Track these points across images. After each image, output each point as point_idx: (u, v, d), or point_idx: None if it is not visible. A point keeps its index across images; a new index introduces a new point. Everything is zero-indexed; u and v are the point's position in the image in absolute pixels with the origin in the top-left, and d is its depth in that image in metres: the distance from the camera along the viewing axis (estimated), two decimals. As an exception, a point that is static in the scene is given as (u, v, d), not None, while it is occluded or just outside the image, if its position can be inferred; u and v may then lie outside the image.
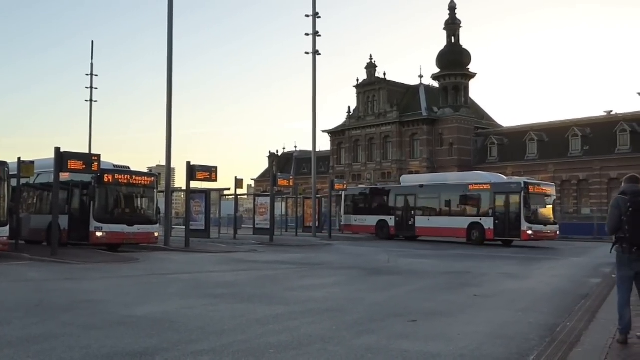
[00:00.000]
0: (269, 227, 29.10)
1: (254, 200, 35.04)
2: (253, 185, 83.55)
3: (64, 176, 19.02)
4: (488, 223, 27.45)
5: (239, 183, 29.03)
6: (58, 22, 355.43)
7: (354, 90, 66.68)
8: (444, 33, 63.05)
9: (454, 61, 60.81)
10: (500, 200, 27.43)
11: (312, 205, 36.09)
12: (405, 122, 61.84)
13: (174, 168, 29.93)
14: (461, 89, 61.03)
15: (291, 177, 32.75)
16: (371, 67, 65.49)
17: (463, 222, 28.48)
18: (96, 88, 48.61)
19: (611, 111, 52.02)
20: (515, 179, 29.10)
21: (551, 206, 28.12)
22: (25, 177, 19.54)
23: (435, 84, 63.05)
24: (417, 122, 61.04)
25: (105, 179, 19.73)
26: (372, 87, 64.81)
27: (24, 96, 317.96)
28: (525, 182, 26.92)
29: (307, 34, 36.17)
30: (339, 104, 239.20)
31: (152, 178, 21.63)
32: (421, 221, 30.86)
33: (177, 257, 19.28)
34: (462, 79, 61.07)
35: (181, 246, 22.35)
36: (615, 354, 5.90)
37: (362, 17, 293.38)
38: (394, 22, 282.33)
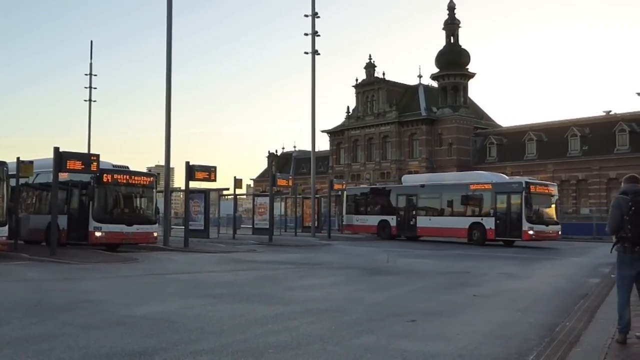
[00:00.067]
0: (268, 227, 29.10)
1: (253, 200, 35.08)
2: (252, 185, 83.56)
3: (63, 176, 19.01)
4: (489, 223, 27.36)
5: (238, 183, 29.04)
6: (57, 22, 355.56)
7: (353, 90, 66.73)
8: (443, 33, 63.10)
9: (453, 61, 60.82)
10: (501, 200, 27.35)
11: (311, 205, 36.08)
12: (405, 122, 61.87)
13: (173, 168, 29.99)
14: (460, 89, 61.04)
15: (290, 177, 32.70)
16: (370, 67, 65.51)
17: (464, 222, 28.40)
18: (95, 88, 48.60)
19: (610, 111, 52.10)
20: (517, 178, 28.97)
21: (553, 206, 28.00)
22: (24, 177, 19.52)
23: (435, 84, 63.07)
24: (416, 122, 61.06)
25: (104, 179, 19.73)
26: (371, 87, 64.82)
27: (24, 96, 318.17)
28: (526, 182, 26.80)
29: (306, 34, 36.17)
30: (338, 104, 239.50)
31: (151, 178, 21.63)
32: (422, 221, 30.78)
33: (176, 257, 19.28)
34: (461, 78, 61.09)
35: (180, 246, 22.35)
36: (614, 354, 5.90)
37: (361, 17, 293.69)
38: (393, 22, 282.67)
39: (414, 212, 31.46)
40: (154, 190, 21.84)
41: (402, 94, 64.40)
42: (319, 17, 36.01)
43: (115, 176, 20.17)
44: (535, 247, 26.57)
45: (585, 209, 48.36)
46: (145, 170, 26.57)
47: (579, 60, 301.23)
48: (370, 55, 66.72)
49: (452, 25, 62.75)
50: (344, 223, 37.10)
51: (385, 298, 10.57)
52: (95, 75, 48.40)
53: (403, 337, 7.00)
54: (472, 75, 62.31)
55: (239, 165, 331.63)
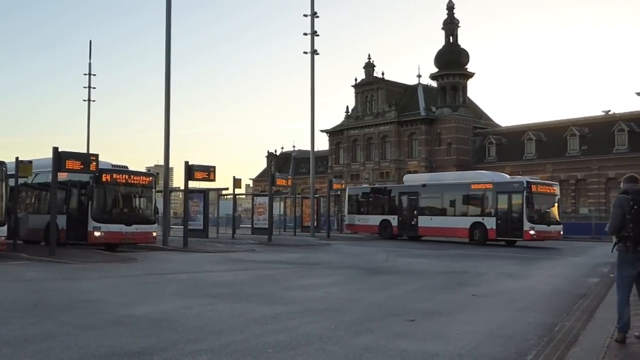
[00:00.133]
0: (267, 226, 29.10)
1: (253, 200, 35.05)
2: (251, 185, 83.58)
3: (62, 176, 19.00)
4: (490, 223, 27.26)
5: (237, 183, 29.03)
6: (56, 22, 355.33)
7: (352, 90, 66.76)
8: (442, 33, 63.16)
9: (452, 61, 60.87)
10: (502, 200, 27.24)
11: (311, 205, 36.08)
12: (404, 122, 61.90)
13: (172, 168, 30.02)
14: (459, 89, 61.08)
15: (289, 177, 32.69)
16: (369, 66, 65.53)
17: (465, 222, 28.30)
18: (94, 88, 48.74)
19: (609, 111, 52.15)
20: (518, 178, 28.82)
21: (555, 206, 27.85)
22: (24, 177, 19.50)
23: (434, 84, 63.14)
24: (415, 121, 61.09)
25: (104, 179, 19.72)
26: (371, 86, 64.84)
27: (23, 96, 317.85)
28: (527, 182, 26.66)
29: (305, 34, 36.17)
30: (337, 103, 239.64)
31: (150, 178, 21.63)
32: (424, 221, 30.64)
33: (175, 257, 19.28)
34: (460, 78, 61.13)
35: (179, 246, 22.35)
36: (613, 354, 5.90)
37: (361, 16, 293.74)
38: (393, 22, 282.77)
39: (415, 212, 31.33)
40: (153, 190, 21.83)
41: (402, 94, 64.44)
42: (318, 17, 36.06)
43: (115, 176, 20.16)
44: (536, 247, 26.48)
45: (584, 209, 48.40)
46: (144, 170, 26.61)
47: (578, 60, 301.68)
48: (369, 55, 66.79)
49: (451, 25, 62.79)
50: (346, 223, 37.06)
51: (385, 298, 10.57)
52: (95, 75, 48.60)
53: (402, 337, 7.00)
54: (471, 75, 62.37)
55: (238, 165, 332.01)
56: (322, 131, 68.59)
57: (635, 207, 6.30)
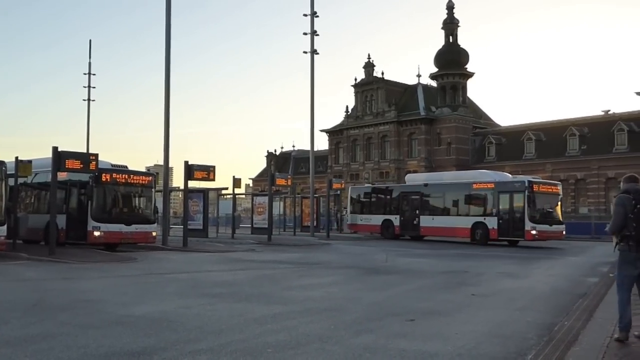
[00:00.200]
0: (267, 226, 29.10)
1: (252, 199, 35.06)
2: (251, 185, 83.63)
3: (62, 175, 19.01)
4: (492, 222, 27.16)
5: (237, 182, 29.04)
6: (56, 21, 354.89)
7: (352, 89, 66.80)
8: (442, 32, 63.17)
9: (452, 60, 60.89)
10: (504, 200, 27.15)
11: (310, 205, 36.09)
12: (403, 122, 61.91)
13: (172, 167, 30.08)
14: (459, 89, 61.10)
15: (289, 177, 32.71)
16: (369, 66, 65.54)
17: (467, 222, 28.20)
18: (94, 87, 48.84)
19: (609, 111, 52.18)
20: (520, 177, 28.72)
21: (557, 205, 27.71)
22: (23, 177, 19.51)
23: (433, 84, 63.16)
24: (415, 121, 61.11)
25: (103, 179, 19.71)
26: (370, 86, 64.85)
27: (22, 95, 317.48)
28: (529, 181, 26.53)
29: (305, 34, 36.18)
30: (337, 103, 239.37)
31: (150, 177, 21.63)
32: (426, 221, 30.52)
33: (175, 257, 19.28)
34: (460, 78, 61.14)
35: (179, 246, 22.35)
36: (612, 353, 5.90)
37: (360, 16, 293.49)
38: (392, 22, 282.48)
39: (417, 212, 31.21)
40: (153, 189, 21.83)
41: (401, 94, 64.46)
42: (317, 16, 36.09)
43: (114, 176, 20.16)
44: (538, 247, 26.38)
45: (583, 209, 48.46)
46: (144, 170, 26.58)
47: (577, 60, 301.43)
48: (369, 55, 66.80)
49: (451, 25, 62.80)
50: (348, 222, 37.00)
51: (384, 297, 10.57)
52: (94, 74, 48.67)
53: (402, 337, 7.00)
54: (471, 74, 62.39)
55: (237, 164, 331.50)
56: (321, 131, 68.71)
57: (638, 206, 6.30)
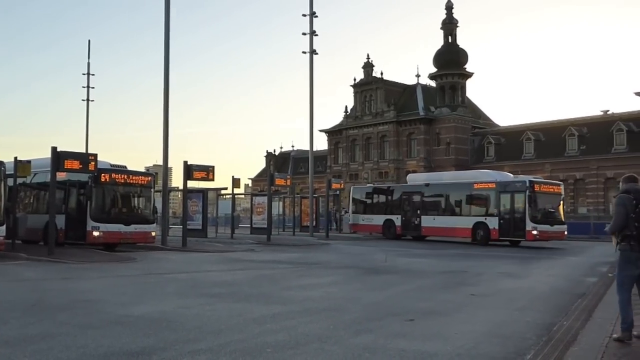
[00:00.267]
0: (266, 226, 29.08)
1: (252, 199, 35.02)
2: (250, 185, 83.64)
3: (61, 175, 19.00)
4: (493, 223, 27.01)
5: (236, 182, 29.04)
6: (55, 21, 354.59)
7: (351, 89, 66.81)
8: (441, 32, 63.25)
9: (451, 60, 60.93)
10: (505, 200, 27.00)
11: (310, 205, 36.07)
12: (403, 122, 61.94)
13: (171, 167, 30.13)
14: (458, 89, 61.15)
15: (288, 177, 32.69)
16: (368, 66, 65.57)
17: (468, 222, 28.07)
18: (93, 87, 48.77)
19: (608, 111, 52.19)
20: (521, 177, 28.59)
21: (559, 205, 27.57)
22: (22, 177, 19.50)
23: (433, 84, 63.21)
24: (414, 121, 61.14)
25: (102, 179, 19.69)
26: (369, 86, 64.88)
27: (21, 95, 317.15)
28: (530, 181, 26.34)
29: (304, 34, 36.18)
30: (336, 103, 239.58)
31: (149, 177, 21.62)
32: (427, 221, 30.39)
33: (174, 257, 19.28)
34: (459, 78, 61.19)
35: (178, 246, 22.34)
36: (611, 353, 5.91)
37: (359, 16, 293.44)
38: (391, 22, 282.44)
39: (418, 212, 31.10)
40: (152, 189, 21.81)
41: (400, 94, 64.48)
42: (317, 16, 36.09)
43: (113, 176, 20.14)
44: (539, 247, 26.26)
45: (582, 209, 48.48)
46: (143, 170, 26.58)
47: (576, 60, 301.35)
48: (368, 55, 66.89)
49: (449, 25, 62.86)
50: (350, 222, 36.91)
51: (383, 297, 10.58)
52: (93, 74, 48.62)
53: (401, 337, 7.01)
54: (470, 74, 62.45)
55: (237, 164, 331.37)
56: (321, 131, 68.74)
57: (639, 206, 6.30)
